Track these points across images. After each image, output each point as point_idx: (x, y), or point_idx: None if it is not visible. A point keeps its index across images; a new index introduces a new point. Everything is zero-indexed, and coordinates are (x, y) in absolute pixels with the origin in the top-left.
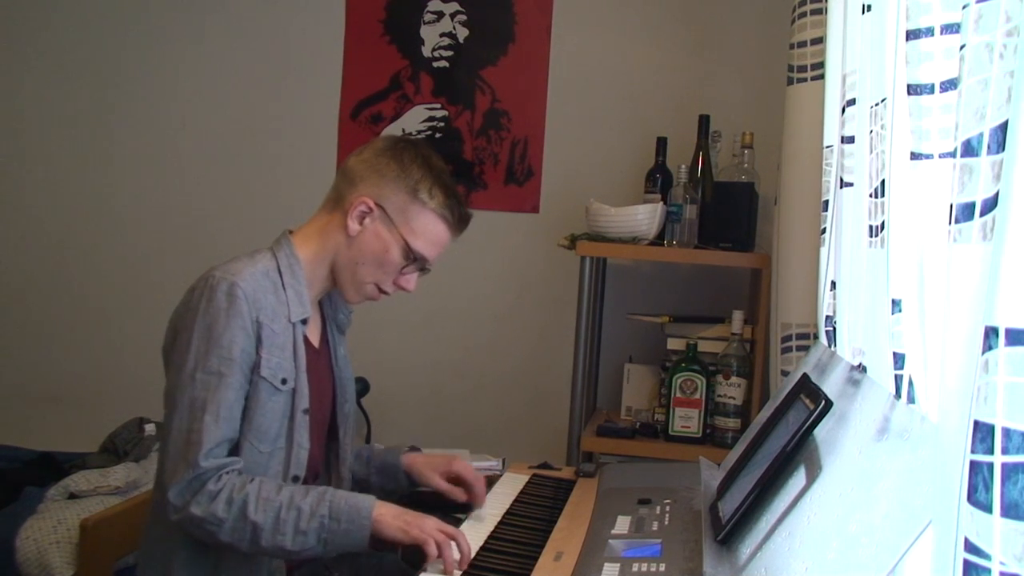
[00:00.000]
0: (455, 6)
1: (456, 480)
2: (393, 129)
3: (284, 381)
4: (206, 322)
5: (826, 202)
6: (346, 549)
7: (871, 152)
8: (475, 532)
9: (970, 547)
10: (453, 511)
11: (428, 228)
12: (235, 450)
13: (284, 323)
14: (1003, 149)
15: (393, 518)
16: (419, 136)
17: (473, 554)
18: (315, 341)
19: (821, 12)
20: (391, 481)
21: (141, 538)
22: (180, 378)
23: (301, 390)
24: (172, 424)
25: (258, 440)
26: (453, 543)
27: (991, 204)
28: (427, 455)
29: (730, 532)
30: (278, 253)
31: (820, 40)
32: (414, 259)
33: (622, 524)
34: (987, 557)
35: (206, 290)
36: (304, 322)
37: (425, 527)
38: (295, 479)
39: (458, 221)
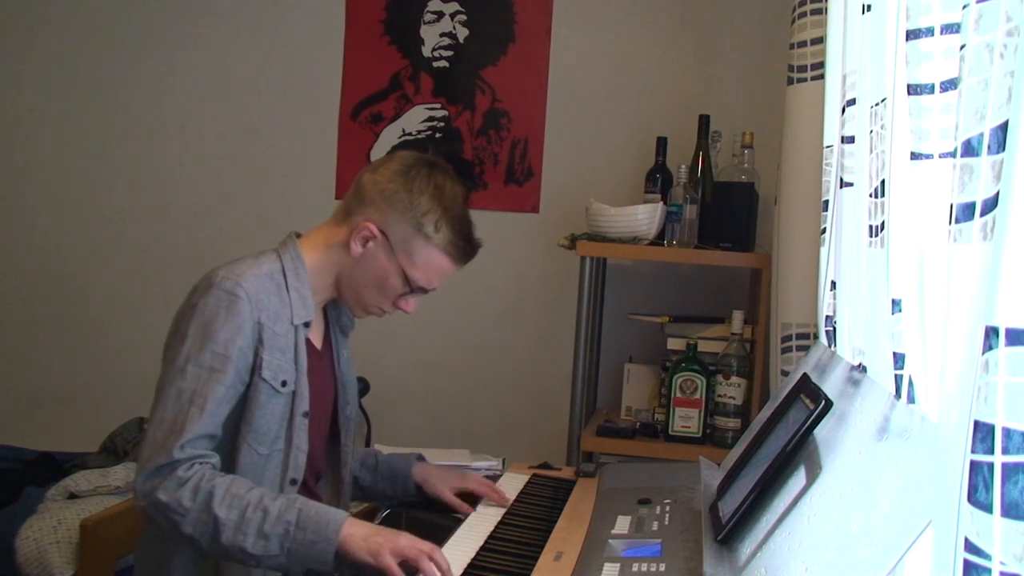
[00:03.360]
0: (455, 6)
1: (467, 495)
2: (393, 129)
3: (284, 383)
4: (204, 319)
5: (826, 202)
6: (311, 564)
7: (871, 152)
8: (475, 532)
9: (970, 547)
10: (453, 511)
11: (430, 261)
12: (232, 452)
13: (286, 325)
14: (1003, 149)
15: (363, 539)
16: (419, 136)
17: (473, 554)
18: (317, 343)
19: (821, 12)
20: (400, 489)
21: (138, 539)
22: (171, 370)
23: (301, 392)
24: (156, 413)
25: (257, 442)
26: (427, 559)
27: (991, 204)
28: (440, 469)
29: (730, 532)
30: (283, 255)
31: (820, 40)
32: (418, 288)
33: (622, 524)
34: (987, 557)
35: (208, 288)
36: (307, 324)
37: (397, 548)
38: (292, 482)
39: (463, 255)
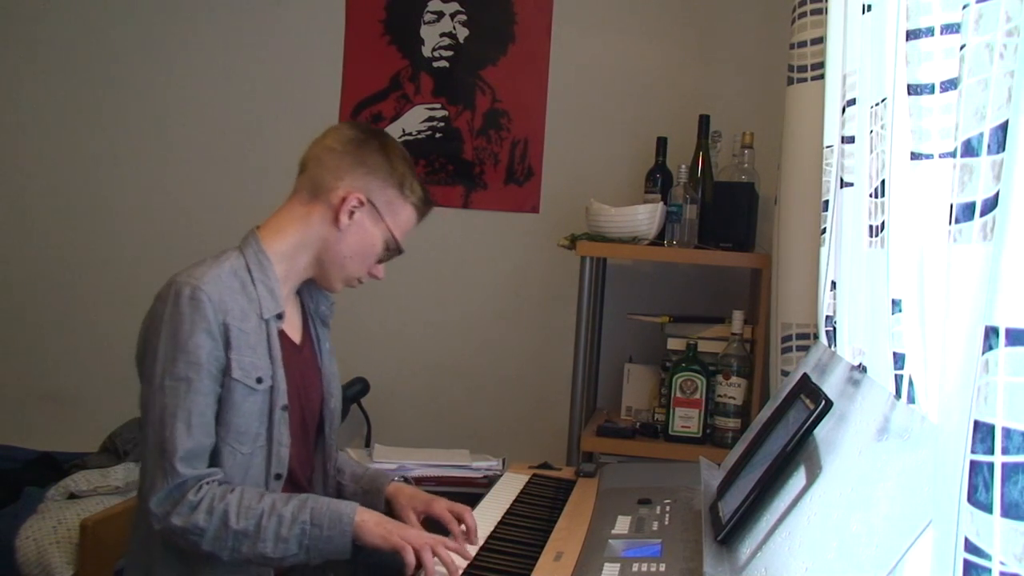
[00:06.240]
0: (455, 6)
1: (436, 519)
2: (393, 129)
3: (260, 380)
4: (171, 329)
5: (826, 202)
6: (329, 556)
7: (871, 152)
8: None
9: (970, 547)
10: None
11: (407, 220)
12: (214, 456)
13: (255, 321)
14: (1003, 149)
15: (375, 525)
16: (419, 136)
17: (473, 554)
18: (295, 336)
19: (821, 12)
20: (371, 505)
21: (128, 542)
22: (150, 388)
23: (279, 387)
24: (147, 435)
25: (238, 442)
26: (431, 549)
27: (991, 204)
28: (413, 490)
29: (730, 532)
30: (245, 251)
31: (820, 40)
32: (396, 251)
33: (622, 524)
34: (987, 557)
35: (170, 297)
36: (279, 317)
37: (406, 535)
38: (277, 477)
39: (428, 210)
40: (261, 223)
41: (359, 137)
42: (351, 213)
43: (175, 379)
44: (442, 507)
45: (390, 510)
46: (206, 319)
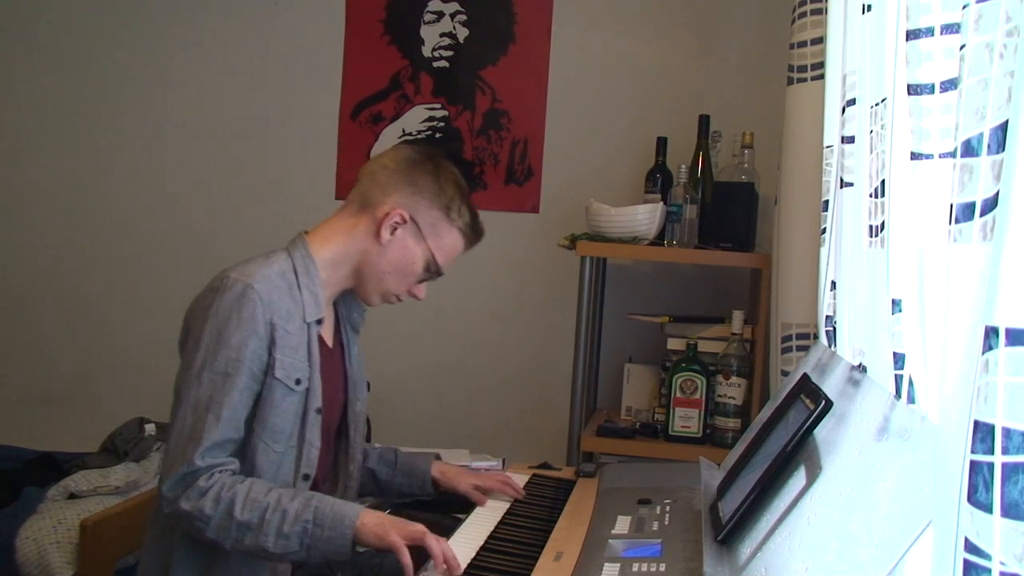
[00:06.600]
0: (455, 6)
1: (482, 489)
2: (393, 129)
3: (298, 381)
4: (217, 323)
5: (826, 202)
6: (329, 556)
7: (871, 152)
8: (475, 532)
9: (970, 547)
10: (453, 511)
11: (452, 244)
12: (249, 451)
13: (299, 323)
14: (1003, 149)
15: (373, 526)
16: (419, 136)
17: (473, 554)
18: (329, 340)
19: (821, 12)
20: (417, 486)
21: (145, 534)
22: (188, 376)
23: (314, 389)
24: (176, 421)
25: (272, 440)
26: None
27: (991, 204)
28: (458, 467)
29: (730, 532)
30: (293, 254)
31: (820, 40)
32: (436, 272)
33: (622, 524)
34: (987, 557)
35: (220, 291)
36: (319, 322)
37: (405, 531)
38: (305, 477)
39: (476, 237)
40: (303, 227)
41: (414, 158)
42: (393, 229)
43: (214, 372)
44: (493, 478)
45: (439, 491)
46: (254, 317)
